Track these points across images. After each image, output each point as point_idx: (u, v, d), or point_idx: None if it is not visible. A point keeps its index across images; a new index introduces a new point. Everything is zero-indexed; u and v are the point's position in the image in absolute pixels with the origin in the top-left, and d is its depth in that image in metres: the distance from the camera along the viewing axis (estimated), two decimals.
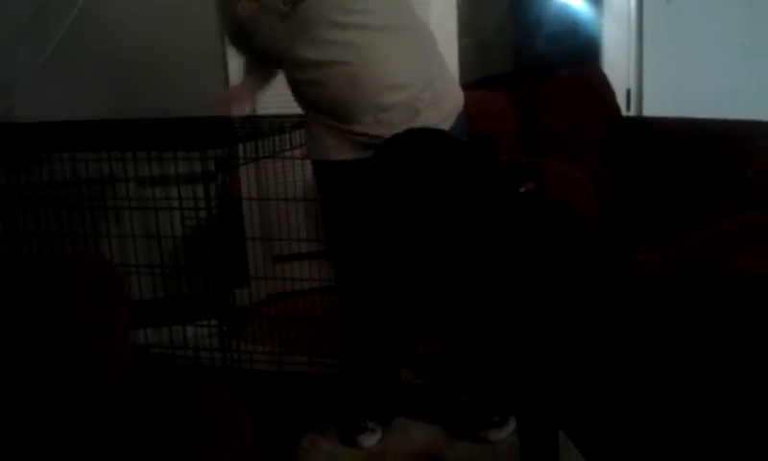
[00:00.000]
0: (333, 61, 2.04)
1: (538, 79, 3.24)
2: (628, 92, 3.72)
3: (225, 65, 3.26)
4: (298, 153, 2.70)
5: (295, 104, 2.28)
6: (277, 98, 2.56)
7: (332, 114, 2.10)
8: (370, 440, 2.32)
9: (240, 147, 2.54)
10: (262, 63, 2.32)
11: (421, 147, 1.76)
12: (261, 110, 3.24)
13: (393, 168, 1.76)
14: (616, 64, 3.74)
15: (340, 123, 2.10)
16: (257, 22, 2.11)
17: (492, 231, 1.62)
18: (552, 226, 1.63)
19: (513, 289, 1.58)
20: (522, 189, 1.71)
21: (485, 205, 1.66)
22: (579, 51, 3.96)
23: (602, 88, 3.36)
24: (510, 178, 1.71)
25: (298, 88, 2.18)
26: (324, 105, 2.11)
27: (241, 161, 2.66)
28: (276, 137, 2.54)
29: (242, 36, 2.19)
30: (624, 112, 3.55)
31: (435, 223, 1.69)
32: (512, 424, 2.28)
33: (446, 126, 2.10)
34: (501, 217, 1.63)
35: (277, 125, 2.55)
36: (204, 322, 2.69)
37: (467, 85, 2.37)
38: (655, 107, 3.67)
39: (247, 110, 2.85)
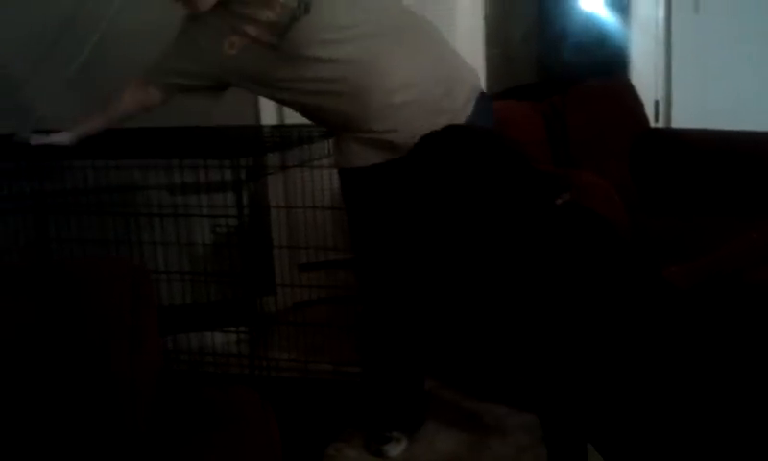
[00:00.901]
0: (333, 79, 2.05)
1: (565, 89, 3.23)
2: (656, 103, 3.69)
3: None
4: (326, 162, 2.71)
5: None
6: None
7: (348, 127, 2.11)
8: (395, 449, 2.32)
9: (269, 156, 2.56)
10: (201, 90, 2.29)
11: (460, 147, 1.76)
12: (289, 120, 3.26)
13: (429, 169, 1.76)
14: (644, 75, 3.71)
15: (359, 133, 2.11)
16: (247, 57, 2.11)
17: (528, 241, 1.62)
18: (588, 237, 1.63)
19: (546, 298, 1.58)
20: (559, 201, 1.70)
21: (522, 214, 1.66)
22: (606, 61, 3.93)
23: (630, 99, 3.34)
24: (547, 188, 1.71)
25: (308, 113, 2.20)
26: (335, 120, 2.12)
27: (270, 170, 2.68)
28: (305, 147, 2.56)
29: (222, 70, 2.17)
30: (652, 123, 3.52)
31: (471, 228, 1.69)
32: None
33: (467, 112, 2.10)
34: (539, 228, 1.63)
35: (306, 134, 2.57)
36: (233, 329, 2.71)
37: (493, 96, 2.36)
38: (683, 118, 3.64)
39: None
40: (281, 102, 2.29)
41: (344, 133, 2.15)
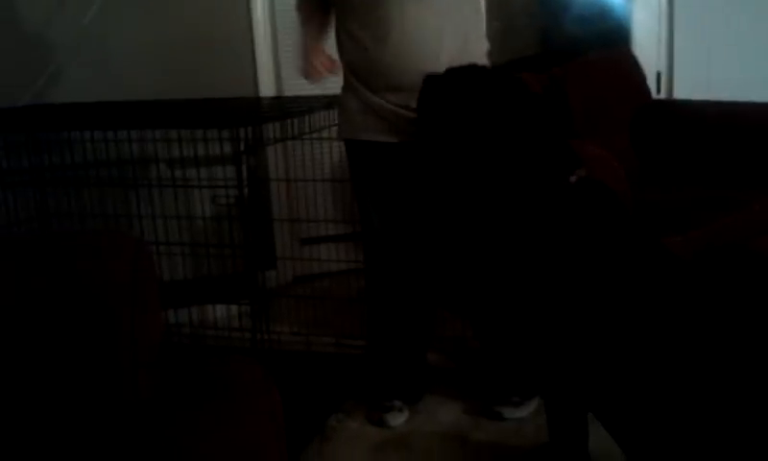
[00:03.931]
0: (403, 30, 2.02)
1: (566, 61, 3.21)
2: (658, 75, 3.66)
3: (252, 47, 3.28)
4: (326, 133, 2.70)
5: (324, 84, 2.27)
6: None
7: (375, 78, 2.08)
8: (397, 419, 2.33)
9: (269, 127, 2.55)
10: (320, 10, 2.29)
11: (472, 87, 1.74)
12: (289, 91, 3.25)
13: (444, 104, 1.73)
14: (646, 47, 3.68)
15: (379, 90, 2.08)
16: None
17: (541, 218, 1.62)
18: (599, 214, 1.62)
19: (550, 270, 1.57)
20: (573, 178, 1.69)
21: (537, 191, 1.64)
22: (608, 33, 3.90)
23: (632, 71, 3.32)
24: (562, 165, 1.69)
25: (352, 44, 2.12)
26: (373, 66, 2.08)
27: (270, 141, 2.67)
28: (306, 118, 2.55)
29: None
30: (654, 95, 3.51)
31: (485, 201, 1.68)
32: (531, 406, 2.28)
33: None
34: (552, 205, 1.62)
35: (306, 106, 2.56)
36: (234, 302, 2.71)
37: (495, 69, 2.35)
38: (685, 89, 3.62)
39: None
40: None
41: (357, 100, 2.12)
